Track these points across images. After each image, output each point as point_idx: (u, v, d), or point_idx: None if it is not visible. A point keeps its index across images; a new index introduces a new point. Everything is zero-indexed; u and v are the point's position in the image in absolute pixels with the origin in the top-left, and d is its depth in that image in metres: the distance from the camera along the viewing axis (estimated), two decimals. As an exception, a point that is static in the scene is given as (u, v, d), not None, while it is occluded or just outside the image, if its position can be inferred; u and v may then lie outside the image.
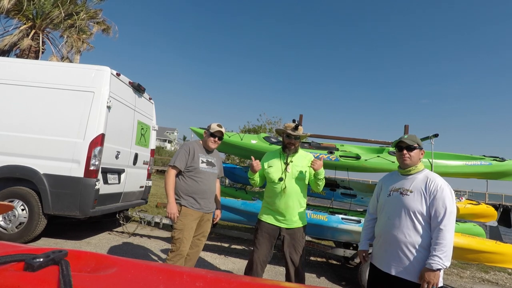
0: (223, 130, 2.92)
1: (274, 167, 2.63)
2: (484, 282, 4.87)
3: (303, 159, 2.66)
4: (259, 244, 2.62)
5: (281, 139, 2.77)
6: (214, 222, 3.10)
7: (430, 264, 1.73)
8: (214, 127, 2.90)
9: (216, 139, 2.92)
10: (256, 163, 2.59)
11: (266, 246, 2.61)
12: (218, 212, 3.15)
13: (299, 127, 2.62)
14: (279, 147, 2.77)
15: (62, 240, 4.50)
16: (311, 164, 2.52)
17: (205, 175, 2.87)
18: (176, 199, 2.80)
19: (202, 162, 2.88)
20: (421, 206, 1.84)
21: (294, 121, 2.64)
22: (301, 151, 2.73)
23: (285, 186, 2.53)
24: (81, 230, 5.18)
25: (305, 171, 2.61)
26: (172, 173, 2.82)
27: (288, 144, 2.62)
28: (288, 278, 2.58)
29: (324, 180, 2.63)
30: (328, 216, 4.05)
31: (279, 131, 2.80)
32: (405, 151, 1.99)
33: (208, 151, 2.99)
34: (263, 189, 2.81)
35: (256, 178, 2.70)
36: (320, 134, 5.55)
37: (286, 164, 2.59)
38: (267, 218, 2.64)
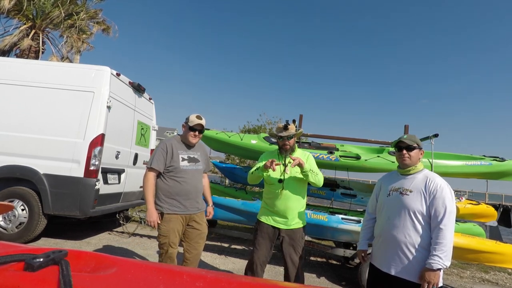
0: (203, 122, 2.66)
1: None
2: (484, 282, 4.87)
3: (302, 158, 2.58)
4: (259, 245, 2.60)
5: None
6: (207, 218, 2.88)
7: (430, 264, 1.72)
8: (193, 120, 2.63)
9: (197, 132, 2.67)
10: (273, 165, 2.29)
11: (265, 247, 2.60)
12: (210, 209, 2.94)
13: (289, 126, 2.55)
14: (278, 149, 2.70)
15: (62, 240, 4.50)
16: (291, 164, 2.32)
17: (188, 173, 2.63)
18: (157, 204, 2.60)
19: (183, 159, 2.64)
20: (421, 205, 1.84)
21: (285, 122, 2.56)
22: (299, 151, 2.70)
23: (284, 188, 2.50)
24: (81, 230, 5.18)
25: None
26: (150, 176, 2.59)
27: (282, 146, 2.56)
28: (287, 279, 2.57)
29: (312, 175, 2.44)
30: (328, 216, 4.05)
31: (271, 134, 2.74)
32: (404, 151, 1.98)
33: (189, 146, 2.74)
34: (263, 189, 2.78)
35: (261, 175, 2.50)
36: (320, 134, 5.54)
37: (285, 165, 2.54)
38: (266, 219, 2.62)
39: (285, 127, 2.53)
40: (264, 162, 2.40)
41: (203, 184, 2.88)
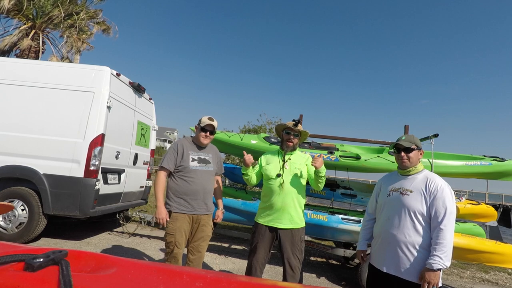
0: (214, 123, 2.72)
1: (272, 164, 2.61)
2: (484, 282, 4.87)
3: (301, 159, 2.66)
4: (257, 247, 2.58)
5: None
6: (214, 221, 2.89)
7: (431, 264, 1.73)
8: (205, 121, 2.70)
9: (208, 133, 2.72)
10: (248, 157, 2.55)
11: (263, 249, 2.57)
12: (219, 213, 2.94)
13: (299, 125, 2.64)
14: (279, 147, 2.75)
15: (62, 240, 4.50)
16: (312, 161, 2.42)
17: (197, 173, 2.66)
18: (167, 203, 2.65)
19: (193, 160, 2.68)
20: (421, 206, 1.84)
21: (294, 120, 2.66)
22: (299, 152, 2.73)
23: (283, 182, 2.51)
24: (81, 230, 5.18)
25: (303, 170, 2.59)
26: (161, 175, 2.65)
27: (287, 140, 2.61)
28: (286, 279, 2.55)
29: (324, 179, 2.56)
30: (328, 216, 4.05)
31: (278, 127, 2.76)
32: (403, 153, 1.98)
33: (200, 147, 2.78)
34: (262, 189, 2.79)
35: (251, 173, 2.67)
36: (320, 134, 5.54)
37: (284, 161, 2.58)
38: (264, 220, 2.59)
39: (295, 124, 2.62)
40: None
41: (214, 186, 2.89)
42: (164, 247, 4.74)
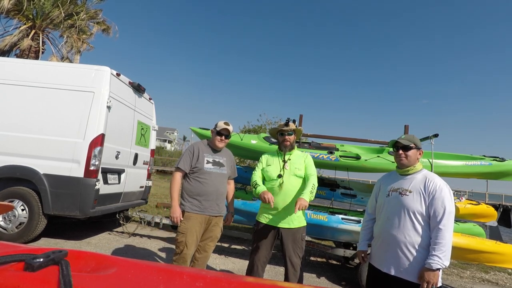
0: (230, 128, 2.81)
1: (273, 165, 2.65)
2: (484, 282, 4.87)
3: (300, 158, 2.69)
4: (259, 246, 2.62)
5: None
6: (224, 224, 2.92)
7: (430, 264, 1.73)
8: (221, 125, 2.80)
9: (223, 137, 2.81)
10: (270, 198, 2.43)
11: (265, 248, 2.61)
12: (228, 216, 2.96)
13: (290, 123, 2.69)
14: (277, 147, 2.79)
15: (62, 240, 4.50)
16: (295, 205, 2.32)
17: (211, 175, 2.74)
18: (181, 203, 2.72)
19: (208, 162, 2.76)
20: (420, 206, 1.84)
21: (287, 119, 2.72)
22: (298, 151, 2.77)
23: (284, 182, 2.55)
24: (81, 230, 5.18)
25: (303, 170, 2.63)
26: (177, 175, 2.74)
27: (282, 141, 2.67)
28: (286, 279, 2.59)
29: (312, 195, 2.45)
30: (328, 216, 4.05)
31: (272, 132, 2.84)
32: (401, 151, 1.99)
33: (215, 150, 2.86)
34: None
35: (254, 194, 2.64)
36: (320, 134, 5.55)
37: (284, 161, 2.63)
38: (266, 219, 2.63)
39: (286, 124, 2.68)
40: (263, 190, 2.49)
41: (227, 190, 2.94)
42: (164, 247, 4.77)
